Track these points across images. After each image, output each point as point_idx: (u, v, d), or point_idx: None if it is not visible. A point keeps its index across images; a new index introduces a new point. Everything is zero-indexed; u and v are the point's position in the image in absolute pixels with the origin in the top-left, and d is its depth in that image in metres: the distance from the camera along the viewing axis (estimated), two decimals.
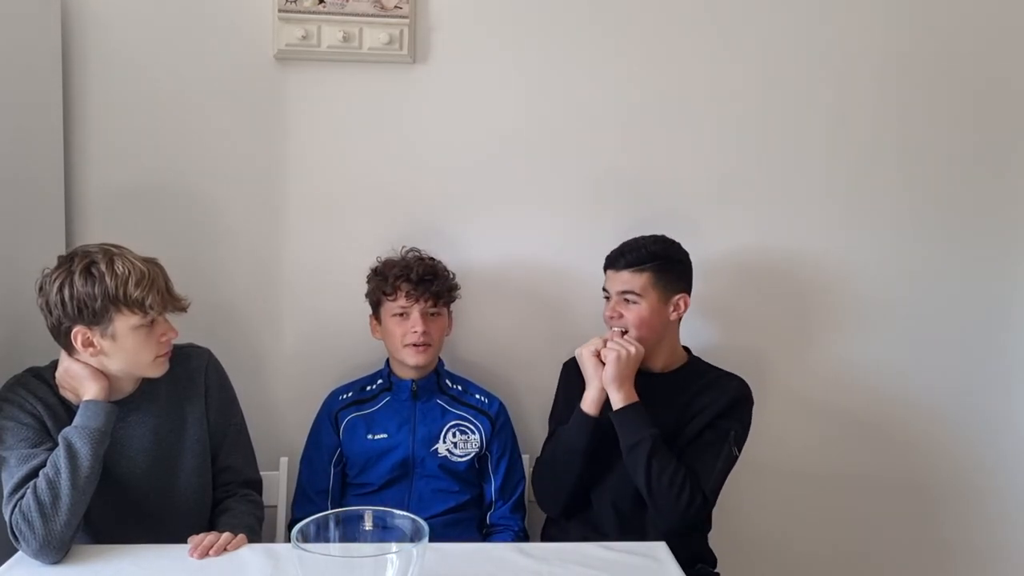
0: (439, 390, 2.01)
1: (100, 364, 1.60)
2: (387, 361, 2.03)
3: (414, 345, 1.91)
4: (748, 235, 2.22)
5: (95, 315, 1.55)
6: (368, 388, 2.02)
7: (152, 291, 1.57)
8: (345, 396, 2.01)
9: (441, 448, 1.95)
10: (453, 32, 2.11)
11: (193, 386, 1.75)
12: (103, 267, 1.55)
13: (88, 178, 2.05)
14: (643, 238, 1.93)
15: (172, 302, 1.62)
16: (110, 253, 1.58)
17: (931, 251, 2.26)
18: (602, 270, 1.96)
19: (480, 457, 1.99)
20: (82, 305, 1.54)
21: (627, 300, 1.88)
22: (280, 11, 2.02)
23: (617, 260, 1.91)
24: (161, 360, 1.64)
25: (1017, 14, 2.22)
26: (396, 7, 2.04)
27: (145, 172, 2.07)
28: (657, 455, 1.77)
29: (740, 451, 1.87)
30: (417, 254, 1.98)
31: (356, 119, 2.11)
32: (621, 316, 1.89)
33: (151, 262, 1.62)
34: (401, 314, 1.92)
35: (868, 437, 2.31)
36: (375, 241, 2.10)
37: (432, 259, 1.99)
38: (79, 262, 1.56)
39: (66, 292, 1.55)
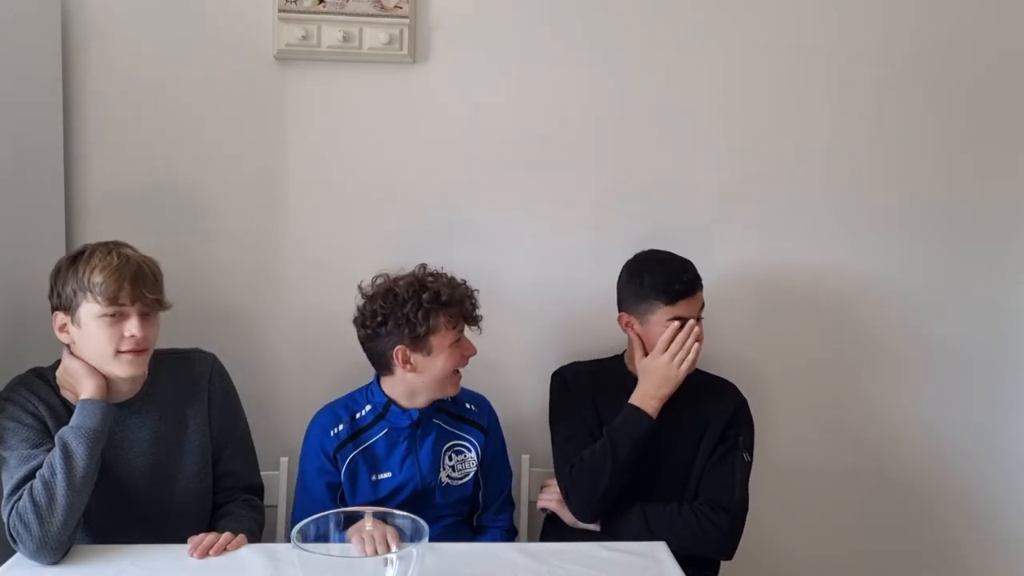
0: (436, 409, 1.86)
1: (78, 353, 1.60)
2: (380, 387, 1.85)
3: (459, 371, 1.82)
4: (749, 244, 2.22)
5: (67, 300, 1.58)
6: (358, 416, 1.84)
7: (117, 281, 1.54)
8: (336, 430, 1.82)
9: (443, 477, 1.84)
10: (453, 32, 2.11)
11: (197, 390, 1.75)
12: (87, 256, 1.58)
13: (88, 178, 2.05)
14: (672, 254, 1.89)
15: (142, 297, 1.57)
16: (108, 246, 1.60)
17: (932, 259, 2.27)
18: (662, 303, 1.83)
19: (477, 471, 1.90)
20: (60, 289, 1.58)
21: (698, 319, 1.86)
22: (280, 11, 2.02)
23: (690, 283, 1.84)
24: (126, 357, 1.58)
25: (1016, 17, 2.22)
26: (396, 7, 2.04)
27: (145, 172, 2.07)
28: (656, 518, 1.80)
29: (752, 456, 1.88)
30: (452, 276, 1.84)
31: (356, 119, 2.11)
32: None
33: (138, 259, 1.60)
34: (458, 340, 1.79)
35: (867, 439, 2.31)
36: (375, 241, 2.10)
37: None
38: (80, 251, 1.60)
39: (54, 277, 1.60)
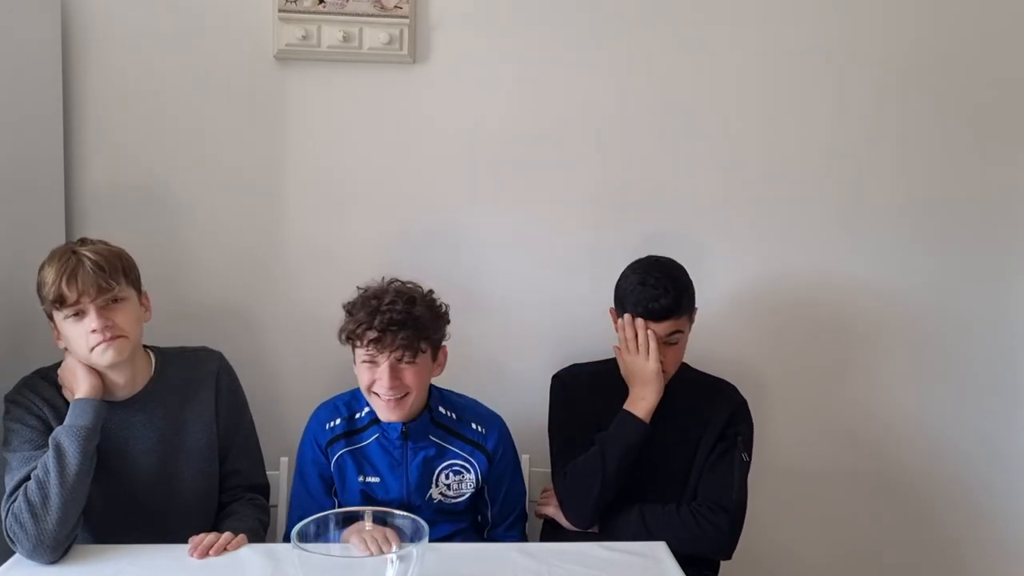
0: (432, 423, 1.77)
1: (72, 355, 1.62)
2: None
3: (385, 399, 1.67)
4: (749, 244, 2.22)
5: (46, 310, 1.60)
6: (357, 416, 1.80)
7: (57, 283, 1.53)
8: (332, 424, 1.79)
9: (435, 493, 1.77)
10: (453, 32, 2.11)
11: (203, 389, 1.75)
12: (42, 267, 1.59)
13: (88, 178, 2.05)
14: (666, 272, 1.84)
15: (86, 290, 1.54)
16: (62, 248, 1.61)
17: (932, 259, 2.27)
18: (628, 311, 1.83)
19: (477, 490, 1.83)
20: (41, 301, 1.60)
21: (668, 343, 1.84)
22: (280, 11, 2.02)
23: (658, 312, 1.79)
24: (98, 349, 1.57)
25: (1017, 16, 2.22)
26: (396, 7, 2.04)
27: (145, 172, 2.07)
28: (654, 519, 1.80)
29: (750, 456, 1.88)
30: (398, 285, 1.72)
31: (356, 119, 2.11)
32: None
33: (83, 253, 1.57)
34: (370, 362, 1.66)
35: (867, 439, 2.31)
36: (375, 241, 2.10)
37: (412, 298, 1.69)
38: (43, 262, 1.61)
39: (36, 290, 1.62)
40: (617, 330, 1.91)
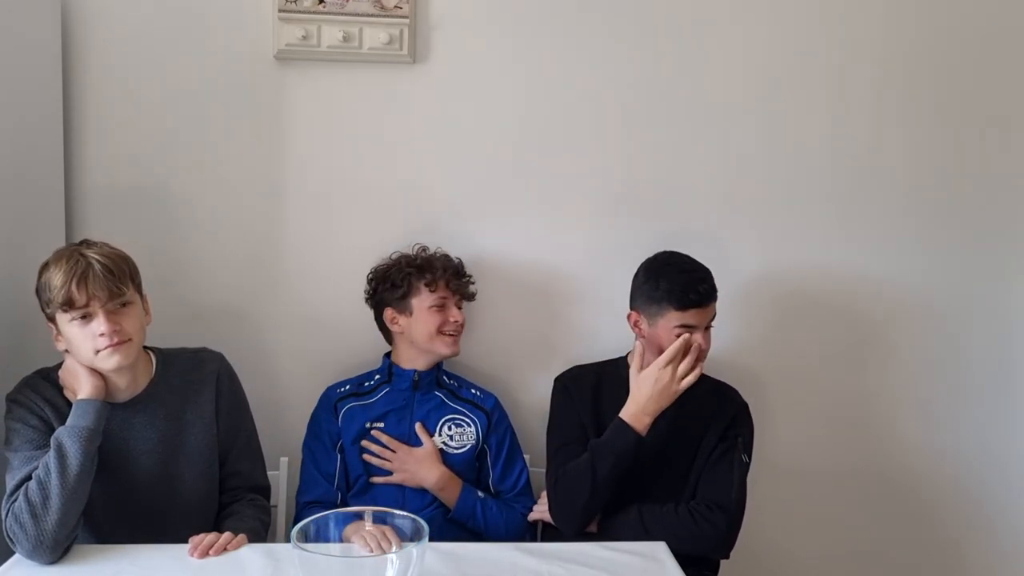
0: (437, 384, 2.02)
1: (74, 356, 1.61)
2: (386, 355, 2.04)
3: (451, 335, 1.97)
4: (749, 245, 2.22)
5: (48, 312, 1.59)
6: (366, 384, 2.02)
7: (66, 286, 1.53)
8: (343, 389, 2.01)
9: (437, 440, 1.96)
10: (453, 32, 2.11)
11: (204, 390, 1.75)
12: (47, 266, 1.58)
13: (88, 178, 2.05)
14: (694, 261, 1.88)
15: (96, 295, 1.54)
16: (66, 250, 1.59)
17: (933, 259, 2.27)
18: (674, 309, 1.82)
19: (479, 453, 1.99)
20: (40, 303, 1.60)
21: (709, 327, 1.86)
22: (280, 11, 2.02)
23: (706, 294, 1.83)
24: (104, 353, 1.57)
25: (1017, 16, 2.22)
26: (396, 7, 2.04)
27: (145, 172, 2.07)
28: (651, 518, 1.80)
29: (750, 458, 1.88)
30: (444, 253, 2.05)
31: (356, 119, 2.11)
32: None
33: (91, 256, 1.56)
34: (440, 306, 1.97)
35: (868, 439, 2.31)
36: (375, 241, 2.10)
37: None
38: (46, 261, 1.59)
39: (36, 292, 1.60)
40: (639, 336, 1.90)
